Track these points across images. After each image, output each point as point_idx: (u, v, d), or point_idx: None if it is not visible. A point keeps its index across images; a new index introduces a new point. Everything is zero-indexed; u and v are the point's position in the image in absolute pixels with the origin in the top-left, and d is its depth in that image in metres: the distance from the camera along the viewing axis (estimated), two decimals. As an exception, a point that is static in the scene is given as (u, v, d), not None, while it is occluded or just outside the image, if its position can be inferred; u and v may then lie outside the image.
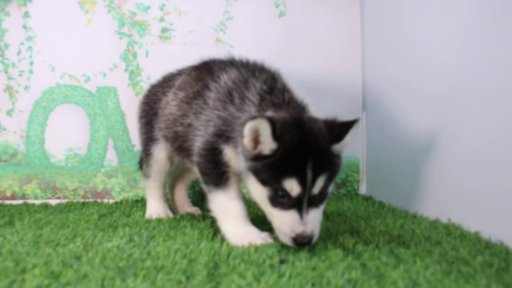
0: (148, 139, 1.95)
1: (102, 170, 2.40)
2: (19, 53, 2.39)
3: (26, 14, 2.37)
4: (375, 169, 2.41)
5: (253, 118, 1.31)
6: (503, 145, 1.39)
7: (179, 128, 1.74)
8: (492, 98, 1.45)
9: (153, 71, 2.38)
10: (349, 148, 2.46)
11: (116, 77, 2.40)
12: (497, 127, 1.42)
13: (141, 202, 2.29)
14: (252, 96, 1.50)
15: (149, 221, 1.83)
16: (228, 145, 1.49)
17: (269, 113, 1.43)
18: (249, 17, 2.42)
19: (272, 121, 1.29)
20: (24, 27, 2.38)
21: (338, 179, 2.49)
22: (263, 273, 1.12)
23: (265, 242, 1.41)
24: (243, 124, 1.36)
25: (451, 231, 1.52)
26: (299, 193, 1.30)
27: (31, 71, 2.39)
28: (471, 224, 1.54)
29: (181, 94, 1.79)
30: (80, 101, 2.39)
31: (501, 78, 1.41)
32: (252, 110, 1.48)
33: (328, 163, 1.34)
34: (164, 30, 2.40)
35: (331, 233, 1.54)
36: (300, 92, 1.58)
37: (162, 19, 2.39)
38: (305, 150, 1.30)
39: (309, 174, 1.30)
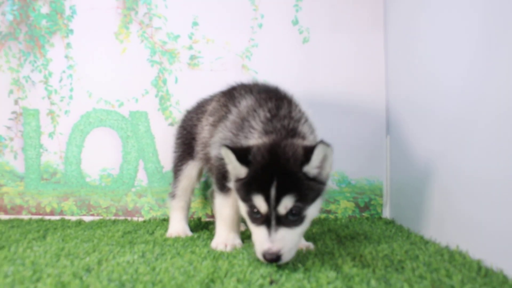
0: (181, 157, 2.10)
1: (133, 189, 2.54)
2: (61, 80, 2.59)
3: (68, 45, 2.58)
4: (399, 193, 2.41)
5: (222, 145, 1.49)
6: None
7: (208, 149, 1.88)
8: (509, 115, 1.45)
9: (182, 97, 2.51)
10: (372, 172, 2.50)
11: (147, 102, 2.54)
12: None
13: (166, 221, 2.40)
14: (256, 124, 1.63)
15: (167, 239, 1.93)
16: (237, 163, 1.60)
17: (265, 139, 1.54)
18: (273, 44, 2.51)
19: (234, 149, 1.46)
20: (66, 56, 2.58)
21: (361, 202, 2.50)
22: (250, 291, 1.18)
23: (231, 248, 1.68)
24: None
25: (455, 258, 1.52)
26: (266, 211, 1.41)
27: (71, 97, 2.58)
28: (477, 252, 1.53)
29: (211, 119, 1.93)
30: (114, 125, 2.55)
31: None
32: (255, 137, 1.60)
33: (296, 185, 1.42)
34: (192, 57, 2.53)
35: (332, 255, 1.57)
36: (309, 119, 1.67)
37: (190, 47, 2.53)
38: (271, 170, 1.41)
39: (273, 193, 1.39)
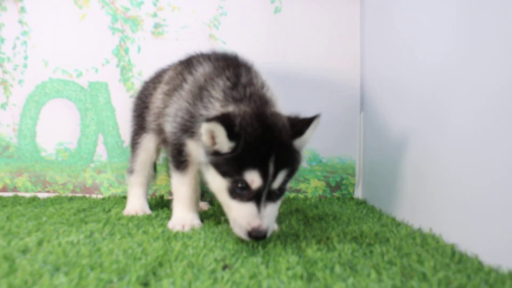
0: (137, 130, 1.97)
1: (92, 165, 2.39)
2: (14, 47, 2.40)
3: (22, 9, 2.39)
4: (371, 172, 2.31)
5: (208, 120, 1.32)
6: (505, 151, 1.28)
7: (161, 120, 1.77)
8: (488, 98, 1.35)
9: (145, 67, 2.36)
10: (345, 150, 2.39)
11: (107, 73, 2.38)
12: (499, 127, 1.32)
13: (126, 199, 2.26)
14: (216, 93, 1.51)
15: (121, 217, 1.80)
16: (192, 139, 1.53)
17: (231, 108, 1.42)
18: (243, 13, 2.36)
19: (226, 124, 1.29)
20: (20, 22, 2.39)
21: (332, 181, 2.40)
22: (199, 278, 1.06)
23: (189, 229, 1.56)
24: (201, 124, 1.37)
25: (428, 242, 1.42)
26: (259, 186, 1.30)
27: (25, 65, 2.40)
28: (451, 236, 1.43)
29: (165, 88, 1.82)
30: (71, 96, 2.39)
31: (497, 78, 1.31)
32: (217, 106, 1.48)
33: (290, 158, 1.35)
34: (156, 25, 2.37)
35: (297, 237, 1.46)
36: (271, 88, 1.57)
37: (155, 15, 2.36)
38: (268, 143, 1.31)
39: (271, 168, 1.30)
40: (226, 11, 2.36)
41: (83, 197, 2.32)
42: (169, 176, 2.28)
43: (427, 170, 1.67)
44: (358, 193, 2.43)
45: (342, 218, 1.83)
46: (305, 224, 1.71)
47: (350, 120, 2.38)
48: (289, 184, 1.40)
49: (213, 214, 1.89)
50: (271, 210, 1.33)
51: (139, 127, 1.96)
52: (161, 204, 2.18)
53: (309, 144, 2.34)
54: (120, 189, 2.38)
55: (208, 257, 1.22)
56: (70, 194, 2.37)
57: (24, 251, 1.25)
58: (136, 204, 1.95)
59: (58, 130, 2.40)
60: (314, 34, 2.38)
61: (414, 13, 1.87)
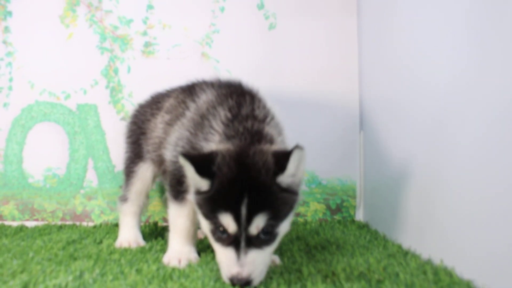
0: (134, 158, 1.87)
1: (82, 191, 2.28)
2: (-2, 69, 2.30)
3: (6, 29, 2.29)
4: (373, 194, 2.23)
5: (180, 154, 1.28)
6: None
7: (163, 151, 1.67)
8: (499, 117, 1.27)
9: (135, 88, 2.27)
10: (345, 171, 2.30)
11: (97, 94, 2.28)
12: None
13: (118, 227, 2.16)
14: (216, 124, 1.42)
15: (114, 251, 1.69)
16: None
17: (222, 145, 1.34)
18: (236, 30, 2.28)
19: (195, 161, 1.25)
20: (4, 42, 2.29)
21: (332, 204, 2.31)
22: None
23: (185, 263, 1.47)
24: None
25: (441, 277, 1.32)
26: (235, 231, 1.22)
27: (10, 88, 2.29)
28: (465, 269, 1.34)
29: (167, 117, 1.73)
30: (59, 119, 2.29)
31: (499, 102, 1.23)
32: (216, 139, 1.40)
33: (269, 201, 1.23)
34: (147, 44, 2.28)
35: (300, 274, 1.37)
36: (275, 117, 1.48)
37: (145, 33, 2.28)
38: (241, 185, 1.21)
39: (244, 211, 1.20)
40: (219, 28, 2.27)
41: (73, 226, 2.22)
42: (164, 203, 2.19)
43: (435, 194, 1.58)
44: (359, 216, 2.34)
45: (345, 246, 1.74)
46: (307, 255, 1.62)
47: (350, 140, 2.30)
48: (283, 227, 1.28)
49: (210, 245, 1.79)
50: (255, 257, 1.22)
51: (135, 154, 1.86)
52: (155, 233, 2.07)
53: (308, 166, 2.27)
54: (112, 216, 2.27)
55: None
56: (59, 222, 2.27)
57: (7, 300, 1.15)
58: (129, 235, 1.85)
59: (45, 155, 2.29)
60: (311, 50, 2.30)
61: (415, 28, 1.79)
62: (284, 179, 1.25)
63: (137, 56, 2.27)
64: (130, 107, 2.25)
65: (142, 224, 2.23)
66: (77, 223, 2.26)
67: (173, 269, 1.43)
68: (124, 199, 1.90)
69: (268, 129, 1.40)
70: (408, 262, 1.50)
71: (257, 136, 1.36)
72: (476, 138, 1.31)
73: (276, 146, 1.36)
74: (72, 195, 2.28)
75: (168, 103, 1.82)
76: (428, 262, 1.51)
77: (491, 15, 1.26)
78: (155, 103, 1.91)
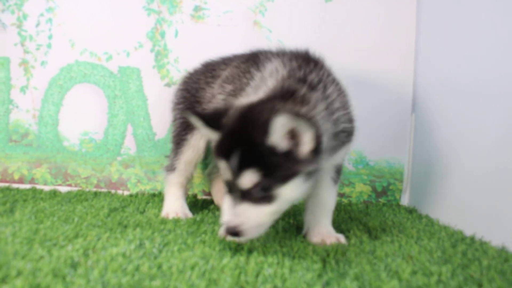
0: (186, 125, 1.78)
1: (119, 158, 2.18)
2: (38, 25, 2.18)
3: (48, -17, 2.17)
4: (421, 178, 2.14)
5: (188, 114, 1.33)
6: None
7: None
8: None
9: (182, 53, 2.15)
10: (393, 153, 2.21)
11: (140, 58, 2.16)
12: None
13: (158, 197, 2.06)
14: (271, 83, 1.38)
15: (164, 221, 1.60)
16: None
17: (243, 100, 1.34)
18: (291, 0, 2.15)
19: (205, 115, 1.30)
20: (45, -4, 2.17)
21: (378, 186, 2.21)
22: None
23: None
24: None
25: (527, 265, 1.24)
26: (228, 179, 1.25)
27: (49, 45, 2.18)
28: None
29: (229, 88, 1.66)
30: (99, 81, 2.17)
31: None
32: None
33: (260, 159, 1.19)
34: (197, 8, 2.15)
35: (378, 256, 1.28)
36: (336, 88, 1.45)
37: (195, -4, 2.15)
38: (236, 138, 1.22)
39: (234, 163, 1.20)
40: (274, -4, 2.15)
41: (109, 193, 2.12)
42: (206, 178, 2.10)
43: (493, 182, 1.50)
44: (405, 200, 2.25)
45: (405, 231, 1.65)
46: (370, 237, 1.53)
47: (401, 122, 2.19)
48: (284, 190, 1.22)
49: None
50: (247, 210, 1.21)
51: (187, 122, 1.75)
52: (197, 205, 1.98)
53: (356, 146, 2.17)
54: (149, 185, 2.18)
55: (295, 278, 1.03)
56: (94, 189, 2.17)
57: (72, 265, 1.06)
58: (176, 205, 1.76)
59: (83, 119, 2.18)
60: (366, 26, 2.18)
61: (480, 11, 1.69)
62: (276, 142, 1.18)
63: (185, 20, 2.15)
64: (175, 73, 2.14)
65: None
66: (112, 191, 2.16)
67: (238, 243, 1.33)
68: (171, 168, 1.81)
69: (310, 94, 1.31)
70: (484, 249, 1.41)
71: (288, 95, 1.29)
72: None
73: (307, 109, 1.27)
74: (109, 161, 2.18)
75: (227, 72, 1.74)
76: (504, 249, 1.42)
77: None
78: (210, 71, 1.83)
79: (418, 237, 1.55)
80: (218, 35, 2.14)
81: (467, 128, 1.76)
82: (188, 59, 2.11)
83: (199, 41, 2.14)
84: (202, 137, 1.75)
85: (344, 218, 1.82)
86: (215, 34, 2.14)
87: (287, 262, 1.16)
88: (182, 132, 1.78)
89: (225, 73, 1.74)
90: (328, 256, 1.23)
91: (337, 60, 2.07)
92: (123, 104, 2.17)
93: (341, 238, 1.46)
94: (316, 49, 1.90)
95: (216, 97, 1.70)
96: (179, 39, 2.15)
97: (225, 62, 1.80)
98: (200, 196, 2.18)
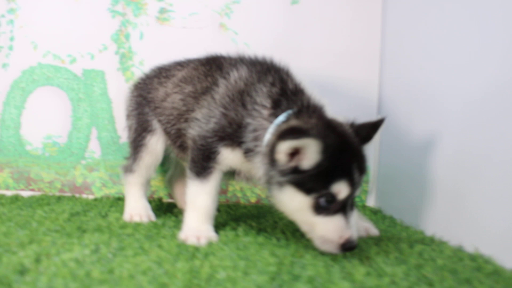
0: (140, 131, 1.77)
1: (83, 162, 2.15)
2: (-1, 26, 2.14)
3: (9, -17, 2.13)
4: (387, 179, 2.16)
5: (294, 136, 1.26)
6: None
7: (183, 125, 1.62)
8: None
9: (147, 56, 2.13)
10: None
11: (105, 60, 2.14)
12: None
13: (122, 201, 2.03)
14: (263, 100, 1.44)
15: (124, 225, 1.58)
16: (229, 147, 1.47)
17: (294, 121, 1.36)
18: (257, 2, 2.15)
19: (321, 140, 1.25)
20: (6, -3, 2.13)
21: (345, 189, 2.23)
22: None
23: (205, 242, 1.39)
24: (277, 138, 1.30)
25: (480, 265, 1.26)
26: (346, 196, 1.29)
27: (10, 47, 2.13)
28: (505, 258, 1.28)
29: (188, 88, 1.66)
30: (63, 84, 2.14)
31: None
32: (265, 114, 1.42)
33: (366, 163, 1.38)
34: (162, 11, 2.14)
35: (335, 258, 1.28)
36: (314, 92, 1.51)
37: (160, -2, 2.14)
38: (349, 151, 1.32)
39: (356, 175, 1.31)
40: (239, -2, 2.15)
41: (73, 197, 2.09)
42: (167, 184, 2.08)
43: (457, 184, 1.53)
44: (371, 201, 2.27)
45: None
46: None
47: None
48: None
49: (225, 223, 1.69)
50: (354, 217, 1.34)
51: (143, 128, 1.76)
52: (162, 209, 1.96)
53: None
54: (114, 189, 2.15)
55: (245, 282, 1.03)
56: (57, 194, 2.13)
57: (22, 271, 1.04)
58: (138, 206, 1.75)
59: (46, 122, 2.14)
60: (332, 30, 2.19)
61: (444, 13, 1.72)
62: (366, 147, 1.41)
63: (150, 23, 2.14)
64: (140, 75, 2.12)
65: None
66: (76, 195, 2.13)
67: (196, 247, 1.33)
68: (130, 170, 1.79)
69: (317, 102, 1.44)
70: (441, 249, 1.43)
71: (320, 107, 1.42)
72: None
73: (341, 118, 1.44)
74: (73, 165, 2.15)
75: (183, 72, 1.73)
76: (460, 249, 1.44)
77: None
78: (163, 72, 1.82)
79: (379, 238, 1.56)
80: (184, 37, 2.13)
81: (430, 131, 1.78)
82: (153, 61, 2.07)
83: (165, 44, 2.13)
84: (159, 141, 1.75)
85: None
86: (181, 37, 2.13)
87: (242, 265, 1.15)
88: (138, 137, 1.76)
89: (181, 73, 1.73)
90: (285, 259, 1.23)
91: (303, 64, 2.10)
92: (87, 107, 2.14)
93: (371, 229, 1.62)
94: (282, 52, 1.92)
95: (171, 96, 1.69)
96: (144, 42, 2.14)
97: (180, 63, 1.81)
98: (166, 199, 2.16)
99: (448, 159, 1.62)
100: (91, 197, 2.13)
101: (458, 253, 1.38)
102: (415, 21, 1.94)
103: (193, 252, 1.28)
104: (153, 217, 1.73)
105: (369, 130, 1.44)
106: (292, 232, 1.57)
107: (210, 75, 1.62)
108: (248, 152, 1.43)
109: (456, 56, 1.61)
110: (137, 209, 1.74)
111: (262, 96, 1.44)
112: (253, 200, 2.19)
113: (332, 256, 1.29)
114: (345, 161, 1.29)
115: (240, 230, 1.56)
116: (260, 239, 1.46)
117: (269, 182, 1.36)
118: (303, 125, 1.32)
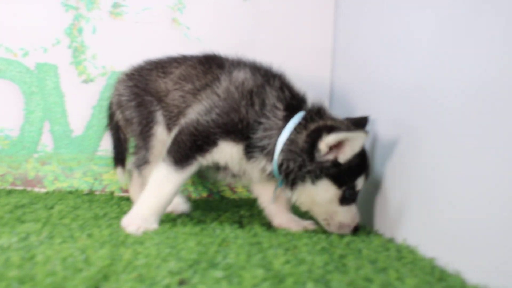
0: (149, 120, 1.78)
1: (35, 155, 2.15)
2: None
3: (-42, -26, 2.12)
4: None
5: (342, 129, 1.47)
6: (479, 155, 1.17)
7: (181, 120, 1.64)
8: (464, 99, 1.24)
9: (100, 50, 2.14)
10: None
11: (58, 54, 2.14)
12: (472, 131, 1.21)
13: (73, 194, 2.06)
14: (276, 102, 1.55)
15: (64, 216, 1.60)
16: (232, 142, 1.52)
17: (329, 121, 1.54)
18: (210, -4, 2.18)
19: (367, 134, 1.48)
20: (-45, -12, 2.12)
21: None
22: (150, 296, 0.89)
23: (144, 231, 1.42)
24: (328, 131, 1.46)
25: (403, 254, 1.30)
26: (361, 188, 1.55)
27: (-39, 40, 2.13)
28: (429, 248, 1.32)
29: (188, 86, 1.70)
30: (15, 77, 2.14)
31: (474, 77, 1.20)
32: (279, 115, 1.54)
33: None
34: (115, 5, 2.15)
35: (261, 246, 1.31)
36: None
37: (114, -7, 2.15)
38: (364, 150, 1.53)
39: (369, 170, 1.57)
40: (192, -7, 2.17)
41: (24, 191, 2.09)
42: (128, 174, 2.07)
43: (399, 177, 1.57)
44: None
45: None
46: (269, 231, 1.57)
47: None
48: None
49: (167, 215, 1.71)
50: None
51: (148, 119, 1.77)
52: (110, 202, 1.97)
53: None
54: (66, 183, 2.16)
55: (162, 269, 1.05)
56: (9, 187, 2.14)
57: None
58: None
59: (-3, 115, 2.15)
60: (285, 24, 2.22)
61: (395, 6, 1.76)
62: None
63: (104, 17, 2.15)
64: (92, 69, 2.13)
65: (98, 193, 2.14)
66: (28, 189, 2.14)
67: (127, 235, 1.36)
68: (146, 161, 1.79)
69: (319, 104, 1.61)
70: (372, 240, 1.47)
71: (322, 110, 1.59)
72: (460, 111, 1.29)
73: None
74: (25, 158, 2.15)
75: (181, 69, 1.77)
76: (391, 241, 1.49)
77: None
78: (160, 65, 1.84)
79: (315, 230, 1.60)
80: (137, 32, 2.14)
81: (380, 122, 1.82)
82: (106, 55, 2.12)
83: (118, 38, 2.14)
84: (163, 132, 1.77)
85: (252, 213, 1.85)
86: (134, 31, 2.14)
87: (165, 253, 1.18)
88: (145, 128, 1.77)
89: (179, 70, 1.77)
90: (211, 248, 1.26)
91: (257, 57, 2.11)
92: (40, 100, 2.14)
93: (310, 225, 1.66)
94: (234, 47, 1.95)
95: (171, 93, 1.73)
96: (97, 36, 2.15)
97: (177, 60, 1.84)
98: (117, 193, 2.17)
99: (393, 154, 1.65)
100: (43, 190, 2.13)
101: (388, 245, 1.42)
102: (368, 14, 1.97)
103: (122, 240, 1.30)
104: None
105: (362, 126, 1.66)
106: (230, 224, 1.60)
107: (209, 73, 1.68)
108: (251, 149, 1.52)
109: (406, 49, 1.63)
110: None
111: (273, 99, 1.55)
112: (204, 194, 2.21)
113: (258, 247, 1.32)
114: (366, 158, 1.53)
115: (179, 221, 1.59)
116: (196, 229, 1.49)
117: (295, 177, 1.50)
118: (335, 124, 1.52)
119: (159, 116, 1.77)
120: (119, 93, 1.87)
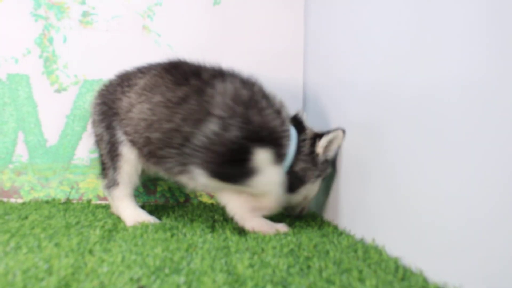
0: (114, 141, 1.77)
1: (10, 166, 2.15)
2: None
3: None
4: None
5: (328, 131, 1.74)
6: (445, 154, 1.19)
7: (155, 134, 1.62)
8: (426, 98, 1.26)
9: (72, 59, 2.14)
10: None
11: (29, 64, 2.14)
12: (436, 129, 1.23)
13: (49, 203, 2.06)
14: (271, 111, 1.65)
15: (35, 225, 1.60)
16: (264, 148, 1.57)
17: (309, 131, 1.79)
18: (179, 3, 2.18)
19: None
20: None
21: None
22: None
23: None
24: (319, 137, 1.73)
25: (370, 255, 1.32)
26: None
27: None
28: (396, 248, 1.34)
29: (157, 98, 1.65)
30: (-13, 89, 2.14)
31: (444, 74, 1.22)
32: (277, 123, 1.65)
33: None
34: (85, 14, 2.16)
35: (228, 251, 1.33)
36: None
37: (83, 2, 2.15)
38: None
39: None
40: (161, 0, 2.18)
41: (0, 202, 2.09)
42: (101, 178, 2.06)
43: (370, 172, 1.58)
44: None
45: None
46: (240, 234, 1.58)
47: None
48: None
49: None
50: None
51: (114, 138, 1.76)
52: (86, 210, 1.98)
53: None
54: (42, 192, 2.15)
55: (123, 276, 1.06)
56: (-16, 198, 2.13)
57: None
58: (139, 213, 1.77)
59: (-29, 127, 2.14)
60: (256, 29, 2.24)
61: (363, 7, 1.78)
62: None
63: (74, 26, 2.15)
64: (65, 78, 2.13)
65: (75, 201, 2.14)
66: (5, 200, 2.13)
67: (95, 243, 1.36)
68: (114, 183, 1.78)
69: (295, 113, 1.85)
70: (341, 241, 1.49)
71: (301, 119, 1.85)
72: (418, 108, 1.31)
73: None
74: (0, 169, 2.15)
75: (146, 80, 1.73)
76: (361, 241, 1.50)
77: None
78: (125, 80, 1.82)
79: (287, 233, 1.61)
80: (107, 40, 2.14)
81: (349, 122, 1.84)
82: (77, 64, 2.12)
83: (88, 47, 2.14)
84: (130, 150, 1.75)
85: (225, 218, 1.86)
86: (104, 39, 2.15)
87: (130, 261, 1.19)
88: (112, 148, 1.76)
89: (143, 81, 1.74)
90: (176, 254, 1.27)
91: (227, 64, 2.12)
92: (13, 111, 2.14)
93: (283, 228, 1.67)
94: (206, 53, 1.96)
95: (135, 106, 1.70)
96: (68, 45, 2.15)
97: (141, 71, 1.81)
98: (94, 201, 2.17)
99: (351, 151, 1.67)
100: (19, 201, 2.13)
101: (357, 245, 1.43)
102: (338, 17, 1.99)
103: (90, 248, 1.31)
104: (156, 220, 1.75)
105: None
106: (202, 229, 1.61)
107: (183, 84, 1.65)
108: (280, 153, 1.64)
109: (378, 50, 1.65)
110: (139, 216, 1.75)
111: (269, 109, 1.64)
112: (181, 199, 2.22)
113: (225, 251, 1.33)
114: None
115: (150, 227, 1.59)
116: (166, 235, 1.50)
117: (302, 181, 1.74)
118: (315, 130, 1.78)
119: (122, 137, 1.75)
120: (92, 111, 1.88)
